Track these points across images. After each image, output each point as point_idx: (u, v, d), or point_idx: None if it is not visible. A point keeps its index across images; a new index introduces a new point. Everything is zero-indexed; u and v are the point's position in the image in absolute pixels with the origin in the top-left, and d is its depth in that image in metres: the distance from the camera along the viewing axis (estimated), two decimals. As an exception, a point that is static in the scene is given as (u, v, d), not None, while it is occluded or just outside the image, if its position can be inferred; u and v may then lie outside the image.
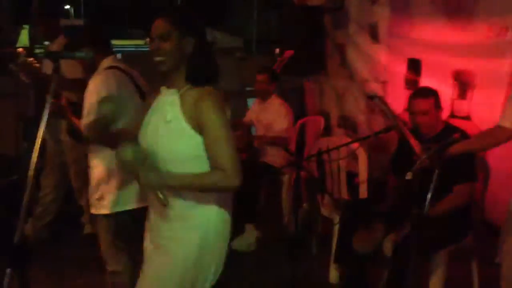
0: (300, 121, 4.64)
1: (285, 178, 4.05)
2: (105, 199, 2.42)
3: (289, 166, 3.54)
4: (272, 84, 4.15)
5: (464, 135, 2.64)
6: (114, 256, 2.50)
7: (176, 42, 1.72)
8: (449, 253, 2.75)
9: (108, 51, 2.55)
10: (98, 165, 2.44)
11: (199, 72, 1.76)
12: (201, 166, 1.73)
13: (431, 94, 2.79)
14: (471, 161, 2.72)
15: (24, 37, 4.70)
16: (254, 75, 4.22)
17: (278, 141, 4.02)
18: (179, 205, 1.77)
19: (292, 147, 4.28)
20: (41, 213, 3.71)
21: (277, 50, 5.65)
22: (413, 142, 2.60)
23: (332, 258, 3.17)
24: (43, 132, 1.64)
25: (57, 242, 3.73)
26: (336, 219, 3.26)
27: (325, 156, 3.48)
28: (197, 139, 1.72)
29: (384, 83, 4.38)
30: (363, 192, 3.58)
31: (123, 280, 2.52)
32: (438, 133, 2.77)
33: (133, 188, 2.41)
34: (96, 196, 2.45)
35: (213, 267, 1.82)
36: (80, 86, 2.59)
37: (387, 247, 2.69)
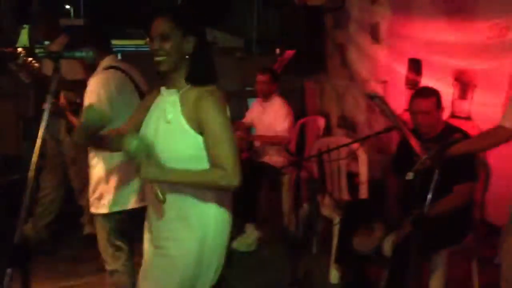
0: (300, 121, 4.64)
1: (286, 178, 4.05)
2: (105, 198, 2.42)
3: (289, 166, 3.54)
4: (273, 84, 4.15)
5: (465, 135, 2.64)
6: (113, 256, 2.51)
7: (176, 42, 1.72)
8: (449, 253, 2.75)
9: (108, 50, 2.55)
10: (98, 165, 2.45)
11: (200, 72, 1.76)
12: (201, 166, 1.73)
13: (433, 94, 2.79)
14: (472, 161, 2.72)
15: (24, 37, 4.70)
16: (255, 75, 4.22)
17: (278, 141, 4.02)
18: (178, 205, 1.77)
19: (293, 147, 4.28)
20: (41, 213, 3.71)
21: (278, 50, 5.64)
22: (414, 142, 2.60)
23: (333, 258, 3.18)
24: (43, 132, 1.64)
25: (57, 242, 3.73)
26: (337, 219, 3.26)
27: (325, 156, 3.48)
28: (198, 138, 1.72)
29: (384, 83, 4.38)
30: (363, 192, 3.58)
31: (122, 279, 2.52)
32: (439, 133, 2.77)
33: (133, 188, 2.42)
34: (96, 195, 2.45)
35: (214, 267, 1.82)
36: (80, 86, 2.59)
37: (387, 247, 2.69)
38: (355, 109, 4.86)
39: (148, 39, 1.77)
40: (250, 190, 3.77)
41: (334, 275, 3.23)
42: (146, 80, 2.58)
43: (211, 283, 1.84)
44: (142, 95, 2.50)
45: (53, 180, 3.71)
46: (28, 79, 2.81)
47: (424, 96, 2.78)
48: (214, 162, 1.70)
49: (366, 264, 2.93)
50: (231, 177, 1.68)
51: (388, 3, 4.34)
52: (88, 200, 2.55)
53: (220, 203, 1.80)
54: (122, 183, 2.41)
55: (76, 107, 2.55)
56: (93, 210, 2.49)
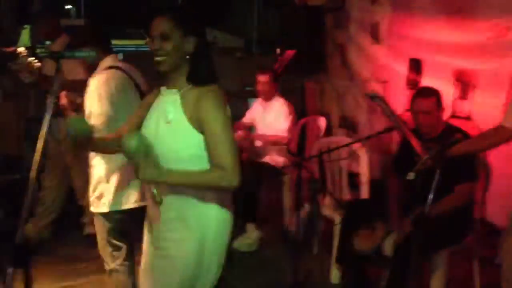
0: (301, 122, 4.64)
1: (286, 178, 4.05)
2: (105, 197, 2.43)
3: (290, 166, 3.54)
4: (274, 84, 4.15)
5: (465, 136, 2.64)
6: (111, 255, 2.52)
7: (176, 41, 1.72)
8: (450, 253, 2.75)
9: (108, 50, 2.55)
10: (99, 164, 2.45)
11: (200, 72, 1.76)
12: (202, 166, 1.73)
13: (434, 94, 2.79)
14: (472, 161, 2.72)
15: (25, 37, 4.70)
16: (255, 75, 4.22)
17: (277, 141, 4.02)
18: (178, 206, 1.77)
19: (294, 147, 4.28)
20: (42, 213, 3.72)
21: (278, 50, 5.64)
22: (415, 142, 2.60)
23: (333, 258, 3.18)
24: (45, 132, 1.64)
25: (58, 242, 3.73)
26: (337, 219, 3.26)
27: (326, 157, 3.48)
28: (199, 138, 1.72)
29: (385, 83, 4.38)
30: (364, 192, 3.58)
31: (121, 279, 2.53)
32: (439, 133, 2.77)
33: (133, 187, 2.42)
34: (96, 194, 2.46)
35: (214, 268, 1.82)
36: (81, 86, 2.59)
37: (388, 247, 2.69)
38: (356, 109, 4.86)
39: (148, 39, 1.77)
40: (251, 190, 3.78)
41: (335, 275, 3.23)
42: (146, 80, 2.59)
43: (212, 284, 1.84)
44: (142, 95, 2.50)
45: (54, 180, 3.72)
46: (29, 79, 2.81)
47: (425, 96, 2.79)
48: (213, 162, 1.70)
49: (366, 264, 2.93)
50: (231, 177, 1.68)
51: (388, 3, 4.34)
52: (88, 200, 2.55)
53: (220, 203, 1.80)
54: (122, 183, 2.42)
55: (77, 107, 2.55)
56: (93, 209, 2.50)
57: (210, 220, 1.79)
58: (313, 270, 3.33)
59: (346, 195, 3.74)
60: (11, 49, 2.76)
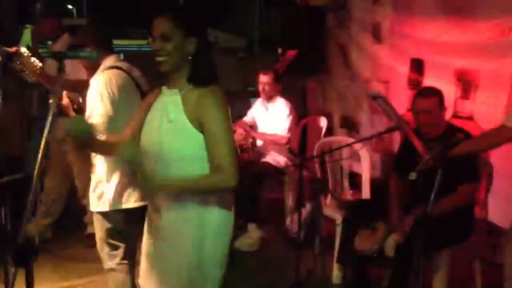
0: (302, 122, 4.64)
1: (288, 178, 4.05)
2: (105, 197, 2.44)
3: (292, 166, 3.55)
4: (276, 84, 4.15)
5: (467, 136, 2.64)
6: (109, 254, 2.54)
7: (178, 42, 1.72)
8: (451, 253, 2.75)
9: (110, 50, 2.56)
10: (99, 164, 2.46)
11: (201, 72, 1.76)
12: (204, 165, 1.74)
13: (435, 93, 2.79)
14: (474, 161, 2.72)
15: (27, 37, 4.71)
16: (256, 75, 4.22)
17: (276, 140, 4.03)
18: (178, 207, 1.77)
19: (295, 147, 4.28)
20: (44, 213, 3.72)
21: (280, 50, 5.64)
22: (416, 142, 2.60)
23: (335, 258, 3.18)
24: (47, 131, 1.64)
25: (60, 242, 3.74)
26: (339, 219, 3.26)
27: (327, 157, 3.48)
28: (200, 138, 1.72)
29: (386, 83, 4.37)
30: (365, 192, 3.58)
31: (119, 278, 2.55)
32: (441, 133, 2.77)
33: (133, 187, 2.42)
34: (96, 194, 2.46)
35: (216, 267, 1.82)
36: (83, 86, 2.60)
37: (390, 248, 2.69)
38: (357, 109, 4.85)
39: (150, 39, 1.77)
40: (252, 190, 3.78)
41: (336, 275, 3.23)
42: (148, 80, 2.59)
43: (217, 284, 1.84)
44: (143, 95, 2.51)
45: (56, 180, 3.72)
46: (31, 79, 2.81)
47: (426, 96, 2.79)
48: (212, 162, 1.71)
49: (368, 264, 2.93)
50: (228, 178, 1.70)
51: (390, 3, 4.33)
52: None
53: (221, 203, 1.80)
54: (123, 182, 2.42)
55: (78, 107, 2.55)
56: (93, 208, 2.50)
57: (211, 221, 1.79)
58: (315, 270, 3.33)
59: (348, 195, 3.74)
60: (13, 49, 2.76)
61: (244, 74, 6.25)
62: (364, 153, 3.60)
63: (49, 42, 3.83)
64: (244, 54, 7.88)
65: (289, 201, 4.08)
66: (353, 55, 4.86)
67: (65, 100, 2.51)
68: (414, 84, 4.01)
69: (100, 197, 2.46)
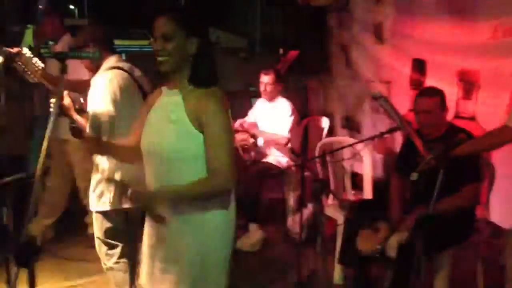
0: (304, 122, 4.64)
1: (290, 178, 4.05)
2: (105, 196, 2.45)
3: (293, 166, 3.55)
4: (277, 85, 4.15)
5: (469, 136, 2.64)
6: (106, 253, 2.56)
7: (179, 42, 1.72)
8: (453, 254, 2.75)
9: (111, 51, 2.56)
10: (101, 164, 2.46)
11: (202, 73, 1.76)
12: (205, 165, 1.74)
13: (437, 94, 2.79)
14: (476, 161, 2.72)
15: (29, 37, 4.71)
16: (258, 75, 4.22)
17: (278, 140, 4.03)
18: (178, 209, 1.77)
19: (297, 147, 4.28)
20: (46, 213, 3.72)
21: (281, 50, 5.64)
22: (418, 142, 2.60)
23: (336, 258, 3.17)
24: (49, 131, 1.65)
25: (62, 242, 3.74)
26: (341, 219, 3.26)
27: (329, 157, 3.48)
28: (201, 138, 1.72)
29: (388, 83, 4.37)
30: (367, 192, 3.58)
31: (117, 276, 2.59)
32: (443, 133, 2.77)
33: (134, 187, 2.42)
34: (96, 193, 2.47)
35: (221, 268, 1.82)
36: (84, 86, 2.60)
37: (392, 248, 2.69)
38: (359, 109, 4.85)
39: (151, 39, 1.77)
40: (254, 190, 3.78)
41: (338, 276, 3.23)
42: (149, 81, 2.59)
43: (224, 283, 1.83)
44: (145, 95, 2.51)
45: (58, 180, 3.72)
46: (33, 80, 2.82)
47: (427, 96, 2.79)
48: (208, 164, 1.71)
49: (370, 264, 2.93)
50: (224, 182, 1.71)
51: (392, 3, 4.33)
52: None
53: (220, 203, 1.80)
54: (123, 182, 2.42)
55: (80, 107, 2.55)
56: (93, 208, 2.51)
57: (211, 221, 1.79)
58: (316, 270, 3.33)
59: (349, 196, 3.74)
60: (15, 49, 2.76)
61: (246, 74, 6.24)
62: (365, 153, 3.60)
63: (51, 43, 3.83)
64: (246, 54, 7.88)
65: (291, 201, 4.08)
66: (355, 55, 4.85)
67: (67, 101, 2.51)
68: (416, 84, 4.00)
69: (100, 196, 2.47)
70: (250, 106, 4.56)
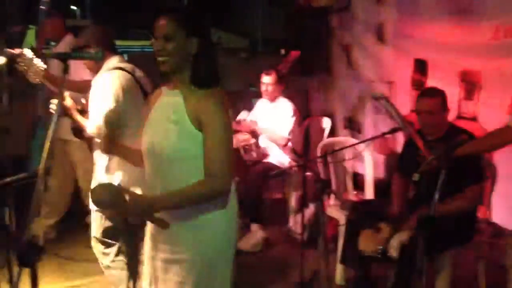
0: (305, 122, 4.64)
1: (291, 178, 4.05)
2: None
3: (295, 166, 3.55)
4: (279, 85, 4.15)
5: (470, 137, 2.64)
6: (103, 252, 2.60)
7: (180, 42, 1.72)
8: (455, 254, 2.75)
9: (113, 51, 2.57)
10: (102, 163, 2.47)
11: (203, 74, 1.76)
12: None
13: (438, 94, 2.79)
14: (478, 162, 2.72)
15: (31, 38, 4.73)
16: (259, 75, 4.22)
17: (278, 141, 4.03)
18: (181, 213, 1.77)
19: (299, 147, 4.28)
20: (48, 213, 3.73)
21: (283, 51, 5.64)
22: (420, 143, 2.60)
23: (338, 258, 3.17)
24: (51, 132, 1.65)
25: (64, 242, 3.75)
26: (342, 220, 3.26)
27: (331, 157, 3.48)
28: (201, 138, 1.72)
29: (390, 83, 4.37)
30: (369, 193, 3.58)
31: (114, 274, 2.62)
32: (444, 134, 2.77)
33: (136, 186, 2.43)
34: None
35: (225, 268, 1.82)
36: (86, 86, 2.61)
37: (394, 248, 2.69)
38: (360, 109, 4.85)
39: (153, 40, 1.77)
40: (255, 190, 3.78)
41: (340, 276, 3.23)
42: (151, 81, 2.59)
43: (228, 283, 1.83)
44: (146, 95, 2.52)
45: (60, 180, 3.73)
46: (35, 80, 2.82)
47: (429, 96, 2.79)
48: (207, 165, 1.71)
49: (372, 264, 2.93)
50: (220, 185, 1.71)
51: (394, 3, 4.33)
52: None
53: (223, 204, 1.79)
54: (124, 181, 2.43)
55: (82, 107, 2.56)
56: (93, 206, 2.52)
57: (214, 222, 1.79)
58: (318, 270, 3.33)
59: (351, 196, 3.74)
60: (17, 50, 2.77)
61: (247, 75, 6.23)
62: (367, 153, 3.60)
63: (53, 43, 3.84)
64: (247, 54, 7.87)
65: (292, 201, 4.08)
66: (356, 55, 4.86)
67: (68, 101, 2.52)
68: (418, 84, 4.00)
69: None
70: (251, 106, 4.56)
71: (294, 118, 4.08)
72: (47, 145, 1.61)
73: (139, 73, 2.60)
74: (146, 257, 1.90)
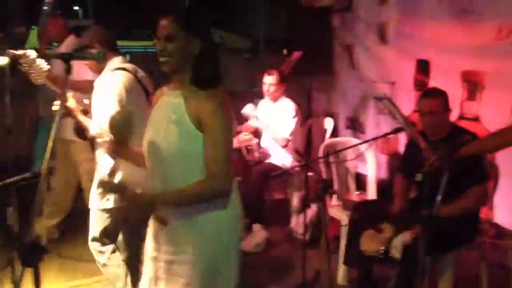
0: (307, 122, 4.63)
1: (293, 178, 4.05)
2: (107, 195, 2.46)
3: (297, 167, 3.54)
4: (281, 85, 4.15)
5: (473, 137, 2.63)
6: (99, 250, 2.61)
7: (181, 43, 1.73)
8: (458, 255, 2.74)
9: (115, 52, 2.57)
10: (105, 162, 2.48)
11: (204, 74, 1.76)
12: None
13: (440, 95, 2.78)
14: (481, 162, 2.71)
15: (33, 38, 4.73)
16: (262, 75, 4.22)
17: (277, 141, 4.03)
18: (178, 210, 1.77)
19: (301, 148, 4.28)
20: (51, 213, 3.74)
21: (285, 51, 5.63)
22: (422, 143, 2.59)
23: (341, 259, 3.17)
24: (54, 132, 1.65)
25: (66, 242, 3.76)
26: (344, 220, 3.26)
27: (333, 157, 3.48)
28: (202, 138, 1.73)
29: (392, 84, 4.37)
30: (371, 193, 3.58)
31: (112, 271, 2.63)
32: (446, 134, 2.77)
33: (138, 185, 2.44)
34: (99, 191, 2.49)
35: (229, 268, 1.82)
36: (89, 87, 2.61)
37: (396, 249, 2.69)
38: (363, 110, 4.85)
39: (155, 40, 1.78)
40: (257, 190, 3.78)
41: (342, 276, 3.23)
42: (154, 81, 2.60)
43: (234, 281, 1.84)
44: (148, 96, 2.53)
45: (62, 180, 3.74)
46: (38, 81, 2.83)
47: (431, 97, 2.78)
48: (206, 165, 1.71)
49: (374, 265, 2.93)
50: (219, 185, 1.72)
51: (396, 3, 4.32)
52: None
53: (224, 204, 1.79)
54: (126, 181, 2.43)
55: (84, 108, 2.57)
56: (94, 205, 2.53)
57: (217, 222, 1.79)
58: (320, 271, 3.33)
59: (353, 196, 3.73)
60: (20, 51, 2.77)
61: (249, 75, 6.24)
62: (369, 154, 3.59)
63: (55, 44, 3.84)
64: (250, 54, 7.88)
65: (294, 201, 4.08)
66: (359, 55, 4.85)
67: (72, 102, 2.52)
68: (420, 85, 4.00)
69: (103, 194, 2.49)
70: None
71: (295, 119, 4.08)
72: (49, 145, 1.62)
73: (141, 73, 2.61)
74: (147, 257, 1.90)
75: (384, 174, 4.18)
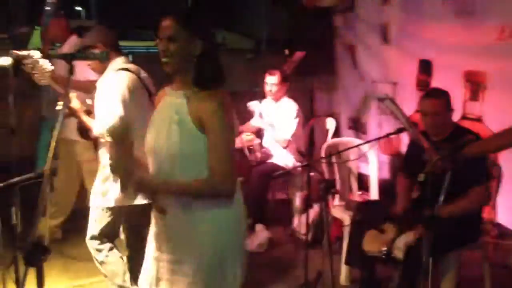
0: (309, 122, 4.64)
1: (296, 179, 4.05)
2: (110, 193, 2.47)
3: (300, 167, 3.55)
4: (283, 85, 4.15)
5: (476, 137, 2.63)
6: (97, 248, 2.61)
7: (183, 44, 1.73)
8: (460, 256, 2.74)
9: (118, 52, 2.58)
10: (107, 161, 2.49)
11: (206, 75, 1.76)
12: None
13: (443, 95, 2.78)
14: (483, 162, 2.71)
15: (36, 39, 4.73)
16: (264, 75, 4.22)
17: (279, 142, 4.03)
18: (180, 207, 1.78)
19: (303, 148, 4.28)
20: (54, 213, 3.75)
21: (287, 51, 5.64)
22: (425, 143, 2.59)
23: (343, 259, 3.17)
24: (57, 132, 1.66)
25: (69, 241, 3.76)
26: (347, 220, 3.26)
27: (335, 158, 3.48)
28: (204, 139, 1.73)
29: (394, 84, 4.37)
30: (373, 193, 3.58)
31: (110, 269, 2.64)
32: (448, 135, 2.76)
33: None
34: (101, 190, 2.50)
35: (234, 268, 1.82)
36: (92, 87, 2.62)
37: (399, 249, 2.69)
38: (365, 110, 4.85)
39: (157, 40, 1.79)
40: (260, 190, 3.79)
41: (344, 277, 3.23)
42: (156, 82, 2.60)
43: (239, 278, 1.84)
44: (151, 96, 2.53)
45: (66, 180, 3.74)
46: (42, 81, 2.84)
47: (433, 97, 2.78)
48: (209, 165, 1.72)
49: (376, 265, 2.93)
50: (221, 185, 1.72)
51: (398, 3, 4.32)
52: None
53: (226, 204, 1.79)
54: (126, 182, 2.44)
55: (87, 108, 2.57)
56: (95, 204, 2.54)
57: (220, 221, 1.79)
58: (323, 271, 3.32)
59: (356, 196, 3.73)
60: (23, 52, 2.78)
61: (252, 75, 6.23)
62: (371, 154, 3.59)
63: (57, 44, 3.85)
64: (252, 55, 7.86)
65: (297, 202, 4.08)
66: (361, 56, 4.85)
67: (75, 102, 2.53)
68: (423, 85, 3.99)
69: (105, 193, 2.49)
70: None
71: (297, 120, 4.08)
72: (52, 145, 1.62)
73: (143, 74, 2.61)
74: (148, 257, 1.90)
75: (386, 175, 4.18)
